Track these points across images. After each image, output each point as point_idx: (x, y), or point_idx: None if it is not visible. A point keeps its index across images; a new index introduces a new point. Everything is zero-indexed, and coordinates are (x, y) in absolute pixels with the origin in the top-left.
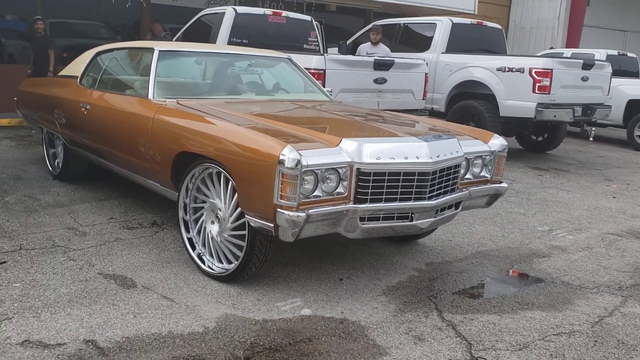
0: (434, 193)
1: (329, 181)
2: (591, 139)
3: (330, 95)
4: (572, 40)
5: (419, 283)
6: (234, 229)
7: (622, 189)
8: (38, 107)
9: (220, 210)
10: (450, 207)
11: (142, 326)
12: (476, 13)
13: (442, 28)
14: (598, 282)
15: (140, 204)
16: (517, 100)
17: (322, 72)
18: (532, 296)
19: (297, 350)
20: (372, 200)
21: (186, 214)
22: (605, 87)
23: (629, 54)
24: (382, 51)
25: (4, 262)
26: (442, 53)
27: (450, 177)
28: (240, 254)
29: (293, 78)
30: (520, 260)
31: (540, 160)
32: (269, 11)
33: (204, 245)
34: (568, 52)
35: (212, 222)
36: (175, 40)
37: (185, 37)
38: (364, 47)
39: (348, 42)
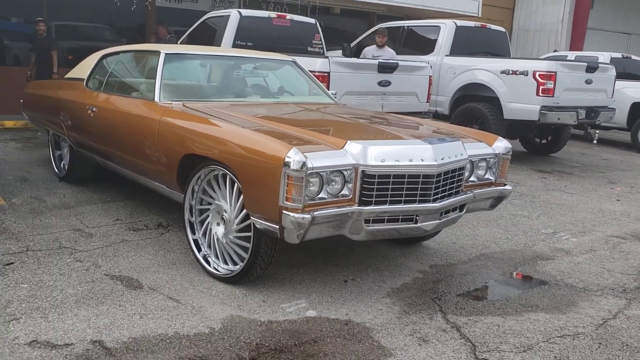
0: (439, 195)
1: (334, 183)
2: (595, 141)
3: (335, 97)
4: (576, 43)
5: (423, 285)
6: (240, 231)
7: (626, 191)
8: (44, 109)
9: (225, 212)
10: (454, 209)
11: (148, 327)
12: (480, 16)
13: (446, 31)
14: (602, 284)
15: (145, 206)
16: (521, 102)
17: (326, 74)
18: (536, 298)
19: (303, 352)
20: (377, 203)
21: (192, 216)
22: (609, 89)
23: (633, 57)
24: (388, 54)
25: (11, 263)
26: (446, 56)
27: (455, 179)
28: (246, 256)
29: (298, 81)
30: (524, 263)
31: (544, 163)
32: (273, 14)
33: (209, 246)
34: (572, 54)
35: (218, 224)
36: (180, 43)
37: (190, 40)
38: (370, 50)
39: (352, 44)
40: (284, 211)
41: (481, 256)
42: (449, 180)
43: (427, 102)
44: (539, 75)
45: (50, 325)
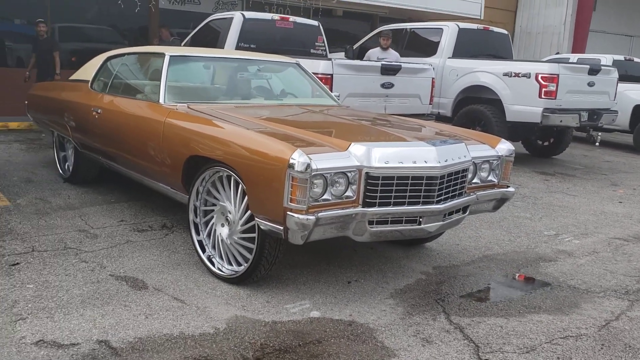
0: (442, 197)
1: (338, 185)
2: (597, 144)
3: (338, 99)
4: (578, 45)
5: (427, 286)
6: (244, 232)
7: (628, 194)
8: (49, 110)
9: (230, 213)
10: (457, 211)
11: (153, 327)
12: (482, 18)
13: (448, 33)
14: (605, 286)
15: (150, 207)
16: (523, 105)
17: (329, 76)
18: (539, 300)
19: (307, 352)
20: (381, 204)
21: (196, 217)
22: (611, 92)
23: (636, 59)
24: (392, 57)
25: (17, 263)
26: (449, 58)
27: (458, 181)
28: (250, 257)
29: (301, 83)
30: (526, 264)
31: (547, 165)
32: (276, 16)
33: (213, 247)
34: (574, 57)
35: (222, 225)
36: (184, 45)
37: (194, 42)
38: (374, 52)
39: (354, 46)
40: (288, 212)
41: (484, 258)
42: (452, 182)
43: (429, 104)
44: (542, 77)
45: (57, 325)
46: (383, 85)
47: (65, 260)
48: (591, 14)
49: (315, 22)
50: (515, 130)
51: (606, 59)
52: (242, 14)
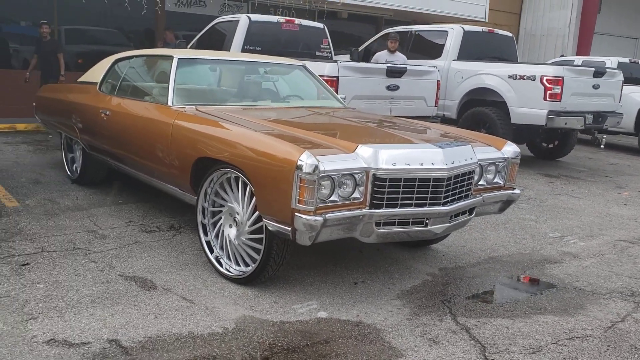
0: (449, 199)
1: (345, 186)
2: (602, 146)
3: (344, 101)
4: (583, 47)
5: (433, 287)
6: (252, 233)
7: (633, 196)
8: (57, 112)
9: (238, 214)
10: (464, 212)
11: (163, 326)
12: (487, 21)
13: (453, 35)
14: (610, 288)
15: (157, 208)
16: (528, 107)
17: (335, 79)
18: (544, 301)
19: (315, 352)
20: (388, 206)
21: (204, 218)
22: (616, 94)
23: None
24: (400, 59)
25: (27, 263)
26: (454, 60)
27: (465, 183)
28: (258, 257)
29: (307, 85)
30: (532, 266)
31: (551, 168)
32: (282, 19)
33: (221, 248)
34: (579, 59)
35: (230, 226)
36: (190, 48)
37: (200, 45)
38: (382, 55)
39: (360, 49)
40: (296, 213)
41: (490, 259)
42: (458, 183)
43: (435, 106)
44: (547, 80)
45: (67, 324)
46: (388, 88)
47: (74, 261)
48: (596, 17)
49: (320, 25)
50: (520, 133)
51: (611, 62)
52: (248, 17)
